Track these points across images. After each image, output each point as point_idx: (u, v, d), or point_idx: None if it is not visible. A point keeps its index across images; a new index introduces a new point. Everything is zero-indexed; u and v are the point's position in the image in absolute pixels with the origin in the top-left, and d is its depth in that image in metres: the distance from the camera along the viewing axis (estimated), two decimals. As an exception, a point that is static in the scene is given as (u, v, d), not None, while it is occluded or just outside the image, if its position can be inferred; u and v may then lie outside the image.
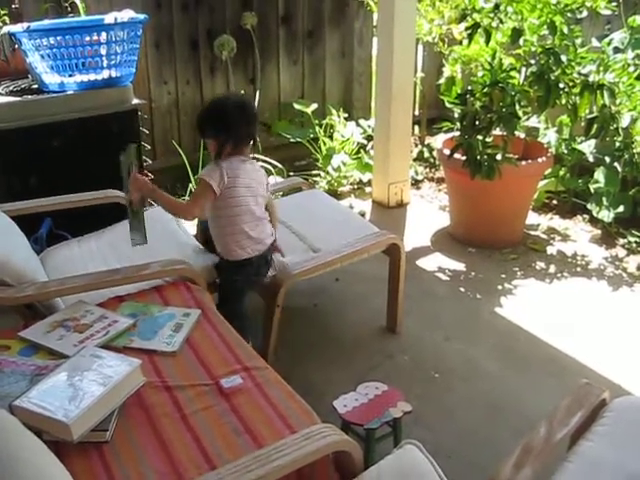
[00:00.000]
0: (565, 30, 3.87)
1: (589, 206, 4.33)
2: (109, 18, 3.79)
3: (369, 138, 5.40)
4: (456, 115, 4.25)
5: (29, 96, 3.75)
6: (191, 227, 3.41)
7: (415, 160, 5.56)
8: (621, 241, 4.31)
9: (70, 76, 3.74)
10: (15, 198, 3.23)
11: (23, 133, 3.60)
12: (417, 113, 5.90)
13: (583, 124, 3.94)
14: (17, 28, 3.67)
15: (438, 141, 4.55)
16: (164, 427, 1.95)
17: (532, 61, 3.97)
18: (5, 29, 3.76)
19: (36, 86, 3.87)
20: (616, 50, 4.06)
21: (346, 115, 5.54)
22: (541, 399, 2.94)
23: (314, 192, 3.95)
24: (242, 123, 2.84)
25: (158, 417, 1.99)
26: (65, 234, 3.58)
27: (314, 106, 5.41)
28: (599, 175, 4.30)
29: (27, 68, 3.84)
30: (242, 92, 5.21)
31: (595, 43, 4.21)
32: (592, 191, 4.33)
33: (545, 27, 3.87)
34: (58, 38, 3.61)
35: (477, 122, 3.93)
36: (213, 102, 2.96)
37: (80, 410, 1.83)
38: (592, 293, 3.82)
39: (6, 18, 4.11)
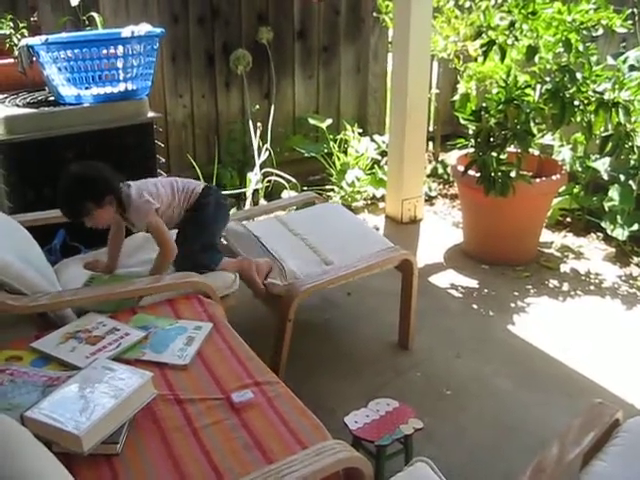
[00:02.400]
0: (580, 48, 3.87)
1: (603, 224, 4.32)
2: (126, 32, 3.82)
3: (383, 154, 5.40)
4: (470, 132, 4.24)
5: (46, 108, 3.77)
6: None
7: (429, 176, 5.56)
8: (635, 259, 4.29)
9: (87, 89, 3.77)
10: (30, 209, 3.26)
11: (39, 145, 3.62)
12: (431, 129, 5.91)
13: (598, 142, 3.93)
14: (35, 40, 3.70)
15: (452, 157, 4.55)
16: (174, 441, 1.95)
17: (547, 78, 3.97)
18: (24, 41, 3.80)
19: (53, 98, 3.90)
20: (631, 68, 4.04)
21: (360, 130, 5.54)
22: (553, 418, 2.92)
23: (330, 204, 3.96)
24: (109, 177, 2.80)
25: (169, 430, 1.98)
26: (79, 246, 3.60)
27: (329, 121, 5.42)
28: (613, 193, 4.28)
29: (44, 80, 3.87)
30: (257, 106, 5.23)
31: (610, 61, 4.21)
32: (606, 209, 4.31)
33: (560, 45, 3.87)
34: (75, 51, 3.64)
35: (491, 139, 3.93)
36: (68, 181, 2.75)
37: (91, 422, 1.83)
38: (606, 312, 3.80)
39: (25, 31, 4.15)
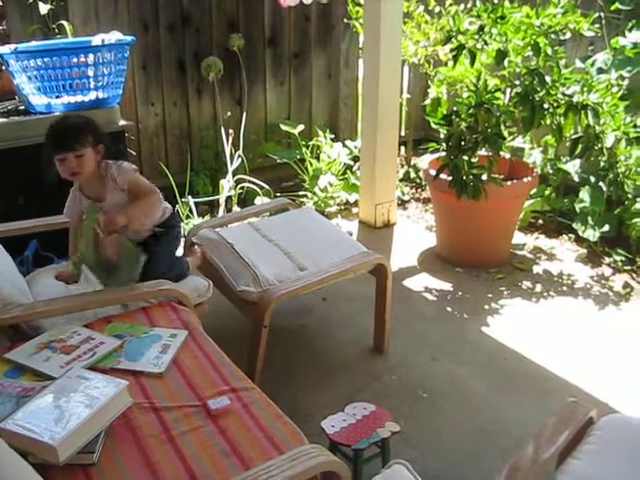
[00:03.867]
0: (549, 51, 3.91)
1: (575, 225, 4.36)
2: (96, 40, 3.81)
3: (356, 159, 5.41)
4: (442, 136, 4.27)
5: (16, 117, 3.75)
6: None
7: (401, 181, 5.58)
8: (607, 260, 4.34)
9: (57, 97, 3.75)
10: (2, 219, 3.22)
11: (10, 154, 3.59)
12: (403, 134, 5.93)
13: (568, 144, 3.97)
14: (4, 49, 3.67)
15: (424, 162, 4.57)
16: (151, 449, 1.94)
17: (517, 82, 4.01)
18: (-8, 50, 3.77)
19: (23, 107, 3.88)
20: (600, 71, 4.10)
21: (332, 136, 5.55)
22: (528, 418, 2.94)
23: (304, 210, 3.96)
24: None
25: (145, 438, 1.98)
26: (51, 256, 3.57)
27: (301, 127, 5.43)
28: (584, 195, 4.33)
29: (14, 89, 3.84)
30: (229, 113, 5.23)
31: (579, 64, 4.26)
32: (577, 210, 4.36)
33: (529, 48, 3.91)
34: (45, 59, 3.62)
35: (463, 143, 3.96)
36: (68, 117, 2.90)
37: (67, 432, 1.82)
38: (578, 312, 3.84)
39: (-7, 39, 4.12)
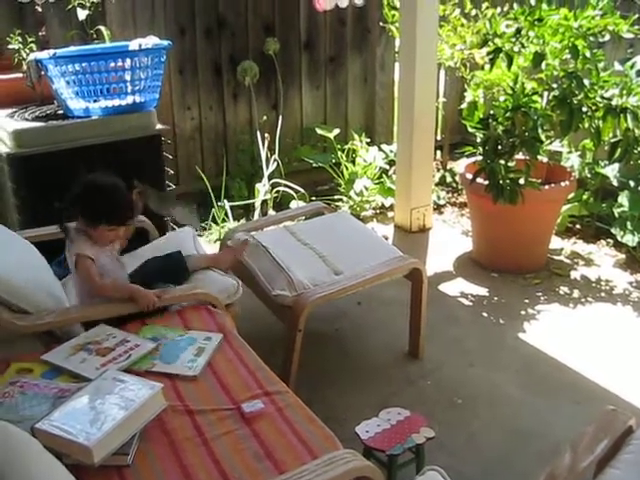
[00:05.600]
0: (587, 54, 3.86)
1: (613, 230, 4.30)
2: (133, 45, 3.84)
3: (391, 163, 5.40)
4: (478, 140, 4.24)
5: (54, 121, 3.79)
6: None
7: (437, 185, 5.55)
8: (646, 266, 4.28)
9: (95, 102, 3.78)
10: (39, 222, 3.26)
11: (48, 158, 3.63)
12: (439, 138, 5.90)
13: (606, 148, 3.92)
14: (43, 55, 3.72)
15: (460, 166, 4.55)
16: (185, 451, 1.94)
17: (554, 85, 3.96)
18: (32, 56, 3.81)
19: (61, 112, 3.92)
20: (639, 73, 4.04)
21: (368, 140, 5.55)
22: (566, 425, 2.90)
23: (339, 214, 3.96)
24: None
25: (179, 441, 1.98)
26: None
27: (336, 131, 5.43)
28: (623, 199, 4.27)
29: (53, 94, 3.89)
30: (265, 117, 5.24)
31: (618, 66, 4.19)
32: (616, 215, 4.30)
33: (567, 51, 3.86)
34: (83, 64, 3.66)
35: (499, 146, 3.92)
36: (114, 185, 2.78)
37: (102, 433, 1.83)
38: (617, 318, 3.78)
39: (33, 45, 4.17)
